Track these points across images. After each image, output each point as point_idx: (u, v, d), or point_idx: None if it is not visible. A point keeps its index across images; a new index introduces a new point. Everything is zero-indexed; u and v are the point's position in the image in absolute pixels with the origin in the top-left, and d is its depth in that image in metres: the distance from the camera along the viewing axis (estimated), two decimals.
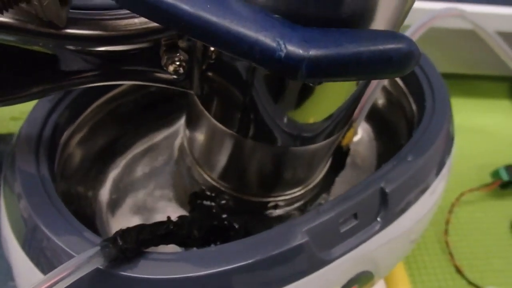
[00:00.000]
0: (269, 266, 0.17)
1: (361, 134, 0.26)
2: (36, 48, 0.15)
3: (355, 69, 0.12)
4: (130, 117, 0.23)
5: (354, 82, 0.16)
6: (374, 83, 0.23)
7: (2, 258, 0.25)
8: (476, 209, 0.37)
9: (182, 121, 0.25)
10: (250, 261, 0.16)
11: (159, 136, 0.24)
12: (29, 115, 0.19)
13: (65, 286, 0.14)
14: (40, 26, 0.13)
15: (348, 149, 0.24)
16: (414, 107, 0.24)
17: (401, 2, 0.13)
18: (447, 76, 0.45)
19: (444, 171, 0.22)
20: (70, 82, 0.16)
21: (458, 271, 0.33)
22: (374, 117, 0.26)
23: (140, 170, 0.24)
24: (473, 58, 0.43)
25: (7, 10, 0.12)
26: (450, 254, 0.34)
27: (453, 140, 0.23)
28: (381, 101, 0.26)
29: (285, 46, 0.12)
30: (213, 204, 0.21)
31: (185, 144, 0.22)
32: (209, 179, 0.21)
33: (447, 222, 0.35)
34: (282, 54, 0.11)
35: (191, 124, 0.20)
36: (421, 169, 0.20)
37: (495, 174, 0.37)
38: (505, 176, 0.36)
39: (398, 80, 0.25)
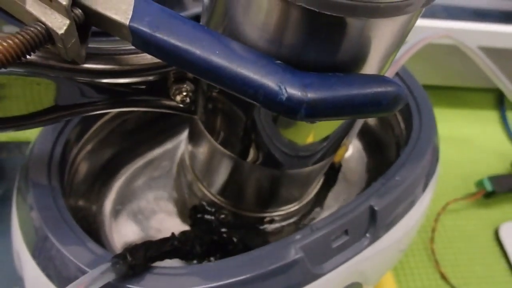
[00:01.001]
0: (266, 280, 0.18)
1: (351, 150, 0.28)
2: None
3: (349, 111, 0.14)
4: (132, 132, 0.25)
5: None
6: None
7: (5, 263, 0.26)
8: (461, 218, 0.39)
9: (181, 136, 0.27)
10: (248, 275, 0.18)
11: (160, 150, 0.26)
12: (41, 132, 0.20)
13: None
14: (61, 62, 0.14)
15: (340, 166, 0.25)
16: (402, 125, 0.26)
17: (389, 50, 0.14)
18: (435, 87, 0.47)
19: (430, 185, 0.24)
20: (83, 109, 0.17)
21: (443, 277, 0.35)
22: (365, 134, 0.28)
23: (142, 182, 0.25)
24: (460, 71, 0.44)
25: (34, 52, 0.13)
26: (436, 261, 0.35)
27: (438, 157, 0.25)
28: (371, 120, 0.28)
29: (286, 91, 0.13)
30: (212, 218, 0.22)
31: (186, 159, 0.23)
32: (208, 194, 0.22)
33: (433, 230, 0.37)
34: (284, 98, 0.13)
35: (193, 142, 0.22)
36: (408, 187, 0.22)
37: (480, 184, 0.39)
38: (488, 187, 0.38)
39: None
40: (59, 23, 0.13)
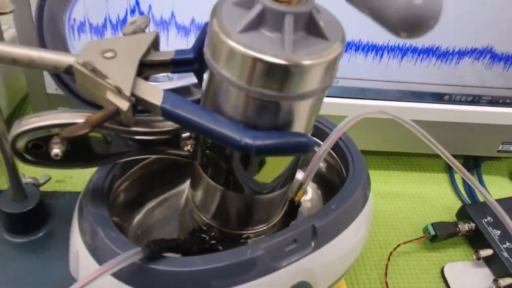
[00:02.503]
0: (237, 268, 0.28)
1: (310, 193, 0.38)
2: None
3: (281, 151, 0.24)
4: (156, 177, 0.35)
5: (289, 158, 0.28)
6: (314, 160, 0.34)
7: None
8: (411, 258, 0.47)
9: (187, 183, 0.37)
10: (227, 263, 0.27)
11: (174, 190, 0.36)
12: (97, 170, 0.31)
13: (118, 269, 0.25)
14: (120, 126, 0.25)
15: (299, 204, 0.35)
16: (344, 172, 0.36)
17: (308, 115, 0.25)
18: (395, 154, 0.57)
19: (364, 212, 0.33)
20: (125, 155, 0.28)
21: None
22: (319, 178, 0.38)
23: (158, 211, 0.35)
24: (416, 140, 0.55)
25: (109, 120, 0.24)
26: (387, 286, 0.44)
27: (368, 193, 0.35)
28: (324, 168, 0.38)
29: (244, 140, 0.24)
30: (205, 235, 0.32)
31: (190, 196, 0.33)
32: (204, 218, 0.32)
33: (387, 267, 0.45)
34: (243, 143, 0.23)
35: (194, 183, 0.32)
36: (341, 213, 0.32)
37: (425, 229, 0.48)
38: (432, 231, 0.47)
39: (333, 153, 0.37)
40: (123, 105, 0.24)
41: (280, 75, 0.22)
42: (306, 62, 0.22)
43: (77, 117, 0.25)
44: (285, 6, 0.22)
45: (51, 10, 0.31)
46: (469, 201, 0.54)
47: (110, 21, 0.43)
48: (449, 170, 0.58)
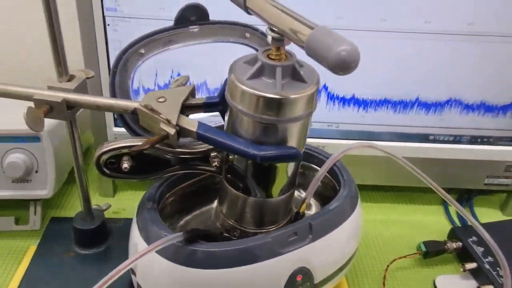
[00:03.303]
0: (251, 250, 0.37)
1: (314, 208, 0.48)
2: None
3: (278, 159, 0.35)
4: (190, 198, 0.46)
5: (291, 166, 0.38)
6: (314, 180, 0.45)
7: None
8: (406, 271, 0.55)
9: (214, 204, 0.48)
10: (244, 246, 0.37)
11: (203, 209, 0.47)
12: (152, 185, 0.42)
13: (163, 247, 0.36)
14: (167, 147, 0.37)
15: (303, 214, 0.45)
16: (337, 187, 0.46)
17: (300, 134, 0.36)
18: (397, 188, 0.67)
19: (353, 215, 0.43)
20: (169, 171, 0.40)
21: None
22: (320, 195, 0.48)
23: (193, 224, 0.46)
24: (412, 176, 0.65)
25: (161, 142, 0.36)
26: None
27: (356, 202, 0.44)
28: (322, 186, 0.48)
29: (252, 151, 0.35)
30: (229, 235, 0.42)
31: (218, 209, 0.44)
32: (229, 222, 0.42)
33: (384, 277, 0.53)
34: (251, 153, 0.35)
35: (221, 196, 0.43)
36: (333, 215, 0.42)
37: (418, 247, 0.56)
38: (423, 248, 0.55)
39: (329, 176, 0.47)
40: (171, 131, 0.36)
41: (275, 105, 0.34)
42: (291, 96, 0.34)
43: (138, 141, 0.37)
44: (276, 62, 0.34)
45: (120, 76, 0.45)
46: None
47: (158, 84, 0.56)
48: (444, 203, 0.67)
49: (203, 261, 0.37)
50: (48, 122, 0.47)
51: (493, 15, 0.53)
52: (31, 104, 0.39)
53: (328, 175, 0.48)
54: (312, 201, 0.50)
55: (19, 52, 0.75)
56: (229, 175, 0.40)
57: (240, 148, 0.35)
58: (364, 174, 0.63)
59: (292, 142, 0.37)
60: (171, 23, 0.45)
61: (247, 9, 0.36)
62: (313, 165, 0.50)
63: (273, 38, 0.34)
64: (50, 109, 0.39)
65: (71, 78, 0.43)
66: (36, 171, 0.53)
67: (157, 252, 0.37)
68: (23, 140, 0.51)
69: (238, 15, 0.39)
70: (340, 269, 0.45)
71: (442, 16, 0.53)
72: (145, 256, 0.36)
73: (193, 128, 0.36)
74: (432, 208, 0.66)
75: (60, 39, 0.41)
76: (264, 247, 0.38)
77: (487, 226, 0.52)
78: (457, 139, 0.61)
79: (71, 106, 0.40)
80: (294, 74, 0.35)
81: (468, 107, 0.59)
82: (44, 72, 0.74)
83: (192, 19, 0.46)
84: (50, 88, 0.41)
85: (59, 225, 0.56)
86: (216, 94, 0.40)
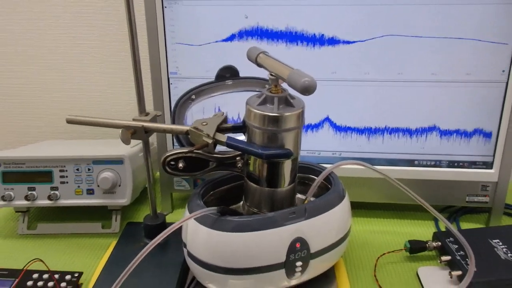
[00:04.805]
0: (263, 221, 0.56)
1: None
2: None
3: (278, 156, 0.55)
4: (224, 198, 0.65)
5: (289, 164, 0.57)
6: (313, 186, 0.63)
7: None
8: (394, 264, 0.70)
9: (240, 204, 0.67)
10: (258, 217, 0.56)
11: (236, 204, 0.66)
12: (199, 184, 0.62)
13: (201, 215, 0.55)
14: (207, 152, 0.58)
15: None
16: (330, 187, 0.64)
17: (294, 140, 0.56)
18: (394, 206, 0.82)
19: (339, 207, 0.60)
20: (209, 170, 0.60)
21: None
22: (317, 193, 0.66)
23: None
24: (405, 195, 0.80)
25: (203, 148, 0.56)
26: (377, 281, 0.66)
27: (344, 194, 0.62)
28: (319, 190, 0.66)
29: (261, 152, 0.54)
30: None
31: (244, 202, 0.63)
32: (251, 209, 0.61)
33: (375, 266, 0.68)
34: (259, 152, 0.54)
35: (245, 191, 0.62)
36: (323, 202, 0.59)
37: (404, 245, 0.71)
38: (407, 244, 0.70)
39: (325, 182, 0.65)
40: (209, 140, 0.56)
41: (275, 120, 0.54)
42: (285, 114, 0.54)
43: (187, 149, 0.58)
44: (274, 94, 0.55)
45: (178, 113, 0.66)
46: None
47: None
48: (434, 219, 0.81)
49: (230, 227, 0.55)
50: (129, 151, 0.70)
51: (450, 67, 0.72)
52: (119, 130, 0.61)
53: (324, 181, 0.66)
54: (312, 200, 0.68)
55: (110, 105, 1.01)
56: (248, 173, 0.60)
57: (253, 150, 0.55)
58: (363, 193, 0.79)
59: (288, 146, 0.56)
60: (212, 79, 0.67)
61: (257, 63, 0.57)
62: (312, 176, 0.68)
63: (270, 79, 0.54)
64: (134, 132, 0.61)
65: (147, 114, 0.65)
66: (119, 185, 0.74)
67: (199, 222, 0.56)
68: (111, 163, 0.74)
69: (255, 70, 0.61)
70: (331, 247, 0.61)
71: (411, 69, 0.72)
72: (191, 228, 0.56)
73: (224, 139, 0.57)
74: (423, 222, 0.81)
75: (142, 91, 0.64)
76: (272, 220, 0.56)
77: (462, 232, 0.67)
78: (437, 163, 0.77)
79: (147, 131, 0.62)
80: (287, 102, 0.55)
81: (442, 132, 0.76)
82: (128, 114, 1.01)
83: (227, 75, 0.68)
84: (134, 119, 0.63)
85: (133, 227, 0.76)
86: (239, 122, 0.61)
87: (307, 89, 0.47)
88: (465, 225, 0.80)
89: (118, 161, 0.74)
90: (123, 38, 0.97)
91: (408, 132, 0.76)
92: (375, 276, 0.67)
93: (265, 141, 0.55)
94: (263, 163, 0.57)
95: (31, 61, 1.02)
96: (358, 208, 0.84)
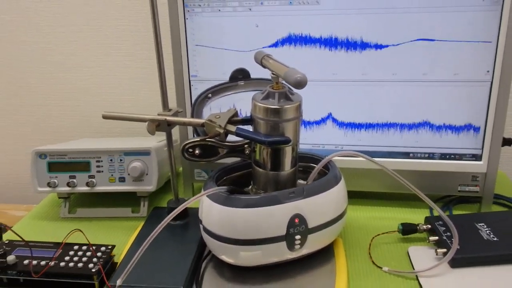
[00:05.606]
0: (267, 199, 0.65)
1: None
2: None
3: (279, 143, 0.64)
4: (235, 183, 0.75)
5: (289, 150, 0.67)
6: (314, 171, 0.72)
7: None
8: (387, 244, 0.78)
9: (249, 188, 0.76)
10: (263, 196, 0.65)
11: (246, 188, 0.76)
12: (210, 174, 0.73)
13: (213, 193, 0.65)
14: (219, 141, 0.68)
15: None
16: (327, 171, 0.73)
17: (293, 129, 0.65)
18: (393, 196, 0.90)
19: (338, 185, 0.69)
20: (221, 157, 0.70)
21: (374, 263, 0.74)
22: (317, 177, 0.75)
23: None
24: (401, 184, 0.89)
25: (215, 137, 0.66)
26: (371, 258, 0.75)
27: (340, 177, 0.71)
28: (319, 176, 0.75)
29: (264, 139, 0.64)
30: None
31: (252, 186, 0.73)
32: (258, 191, 0.71)
33: (370, 245, 0.77)
34: (263, 139, 0.64)
35: (252, 176, 0.72)
36: (320, 184, 0.68)
37: (398, 227, 0.79)
38: (400, 227, 0.78)
39: (324, 169, 0.74)
40: (221, 130, 0.67)
41: (276, 112, 0.63)
42: (285, 106, 0.63)
43: (202, 138, 0.68)
44: (275, 90, 0.64)
45: (196, 110, 0.77)
46: None
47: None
48: (430, 207, 0.89)
49: (240, 204, 0.65)
50: (155, 145, 0.81)
51: (439, 68, 0.80)
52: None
53: (324, 169, 0.75)
54: None
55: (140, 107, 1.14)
56: (255, 159, 0.69)
57: (257, 138, 0.65)
58: (363, 183, 0.88)
59: (288, 134, 0.65)
60: (227, 79, 0.78)
61: (262, 64, 0.68)
62: (313, 165, 0.77)
63: (272, 77, 0.64)
64: (159, 124, 0.72)
65: (169, 110, 0.76)
66: (147, 174, 0.86)
67: (212, 200, 0.66)
68: (140, 154, 0.85)
69: (264, 72, 0.71)
70: (327, 224, 0.70)
71: (404, 70, 0.81)
72: (206, 205, 0.66)
73: (233, 129, 0.67)
74: (418, 210, 0.89)
75: (165, 91, 0.75)
76: (274, 198, 0.65)
77: (452, 217, 0.75)
78: (430, 156, 0.85)
79: (169, 124, 0.73)
80: (287, 96, 0.65)
81: (433, 127, 0.84)
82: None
83: (240, 77, 0.79)
84: (159, 114, 0.74)
85: (159, 211, 0.87)
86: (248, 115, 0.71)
87: (300, 83, 0.57)
88: (458, 213, 0.87)
89: (146, 152, 0.85)
90: (150, 47, 1.10)
91: (403, 127, 0.85)
92: (369, 254, 0.76)
93: (268, 130, 0.65)
94: (267, 149, 0.67)
95: (73, 69, 1.18)
96: (358, 197, 0.92)
